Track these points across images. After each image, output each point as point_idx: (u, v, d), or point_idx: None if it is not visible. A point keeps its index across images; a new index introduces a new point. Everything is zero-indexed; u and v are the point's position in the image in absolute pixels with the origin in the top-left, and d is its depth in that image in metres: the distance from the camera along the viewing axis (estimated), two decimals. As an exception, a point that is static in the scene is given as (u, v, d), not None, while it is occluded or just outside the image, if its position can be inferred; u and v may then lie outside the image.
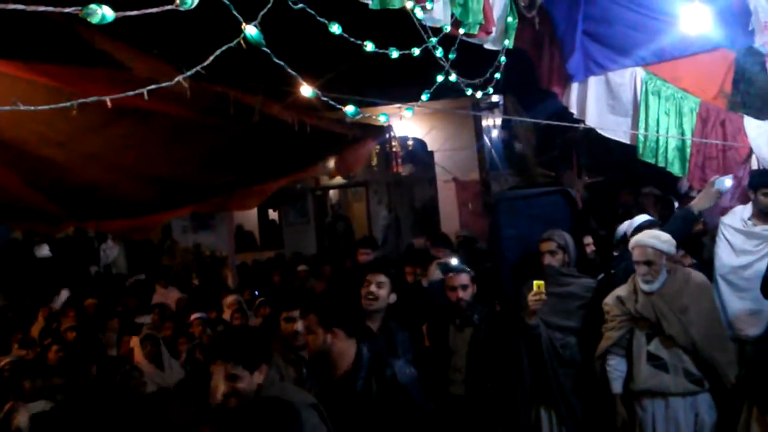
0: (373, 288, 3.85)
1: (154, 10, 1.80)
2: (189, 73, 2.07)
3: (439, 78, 3.72)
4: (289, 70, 2.26)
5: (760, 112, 5.20)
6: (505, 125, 10.95)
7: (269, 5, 2.15)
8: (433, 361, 4.39)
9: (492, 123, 11.42)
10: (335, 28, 2.40)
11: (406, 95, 4.08)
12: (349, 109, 2.50)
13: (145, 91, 1.98)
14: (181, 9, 1.79)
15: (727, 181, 4.59)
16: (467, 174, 10.81)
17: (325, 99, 2.34)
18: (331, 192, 13.79)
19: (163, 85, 2.14)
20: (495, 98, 10.45)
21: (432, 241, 6.57)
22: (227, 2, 1.99)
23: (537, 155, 10.60)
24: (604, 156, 8.21)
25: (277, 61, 2.18)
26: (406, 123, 9.67)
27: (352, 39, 2.53)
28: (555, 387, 4.38)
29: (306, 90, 2.32)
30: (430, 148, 10.70)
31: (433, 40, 3.45)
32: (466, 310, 4.36)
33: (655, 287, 3.90)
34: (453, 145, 10.56)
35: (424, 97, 3.37)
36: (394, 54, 2.91)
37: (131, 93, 2.10)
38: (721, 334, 4.04)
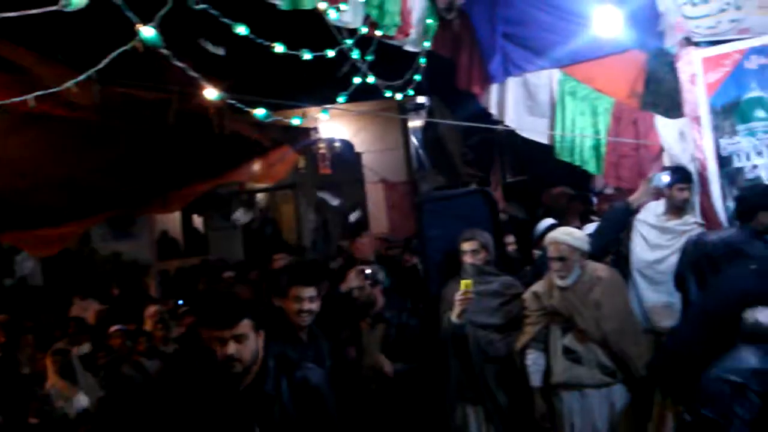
0: (306, 306, 3.70)
1: (37, 11, 1.69)
2: (81, 77, 1.96)
3: (356, 80, 3.68)
4: (191, 73, 2.17)
5: (669, 111, 5.40)
6: (432, 126, 11.02)
7: (168, 6, 2.05)
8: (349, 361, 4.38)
9: (419, 124, 11.48)
10: (241, 30, 2.32)
11: (328, 97, 4.04)
12: (260, 112, 2.42)
13: (31, 97, 1.85)
14: (66, 10, 1.68)
15: (665, 177, 4.67)
16: (395, 175, 10.85)
17: (232, 102, 2.25)
18: (258, 195, 13.56)
19: (56, 89, 2.02)
20: (421, 99, 10.52)
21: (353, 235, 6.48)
22: (120, 3, 1.89)
23: (463, 155, 10.70)
24: (528, 155, 8.37)
25: (178, 63, 2.09)
26: (333, 125, 9.62)
27: (259, 40, 2.46)
28: (481, 384, 4.43)
29: (211, 93, 2.23)
30: (357, 150, 10.68)
31: (349, 41, 3.41)
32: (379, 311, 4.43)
33: (569, 282, 4.00)
34: (380, 147, 10.57)
35: (340, 99, 3.33)
36: (306, 56, 2.85)
37: (26, 97, 1.98)
38: (633, 327, 4.16)
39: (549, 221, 5.42)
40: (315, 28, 3.42)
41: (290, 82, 5.07)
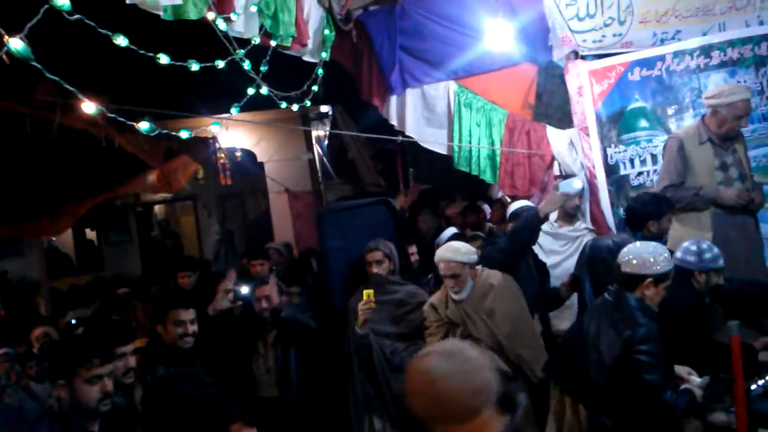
0: (189, 328, 3.73)
1: None
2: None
3: (250, 90, 3.60)
4: (67, 86, 2.04)
5: (560, 122, 5.62)
6: (336, 135, 10.99)
7: (38, 17, 1.93)
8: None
9: (323, 133, 11.42)
10: (120, 40, 2.21)
11: (225, 107, 3.93)
12: (143, 125, 2.31)
13: None
14: None
15: (576, 183, 4.68)
16: (300, 185, 10.71)
17: (112, 116, 2.13)
18: (156, 207, 13.08)
19: None
20: (324, 109, 10.47)
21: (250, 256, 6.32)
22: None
23: (375, 166, 10.72)
24: (429, 165, 8.50)
25: (51, 76, 1.96)
26: (233, 134, 9.39)
27: (142, 51, 2.35)
28: (387, 394, 4.42)
29: (89, 107, 2.11)
30: (259, 159, 10.48)
31: (240, 51, 3.33)
32: (270, 316, 4.49)
33: (464, 296, 4.05)
34: (283, 156, 10.42)
35: (233, 110, 3.24)
36: (194, 67, 2.75)
37: None
38: (527, 331, 4.23)
39: (451, 230, 5.51)
40: (208, 38, 3.33)
41: (183, 93, 4.90)
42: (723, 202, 4.49)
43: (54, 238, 11.01)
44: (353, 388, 4.44)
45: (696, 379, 3.31)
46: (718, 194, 4.49)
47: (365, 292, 4.21)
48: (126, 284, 8.86)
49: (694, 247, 3.84)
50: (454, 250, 4.05)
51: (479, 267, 4.13)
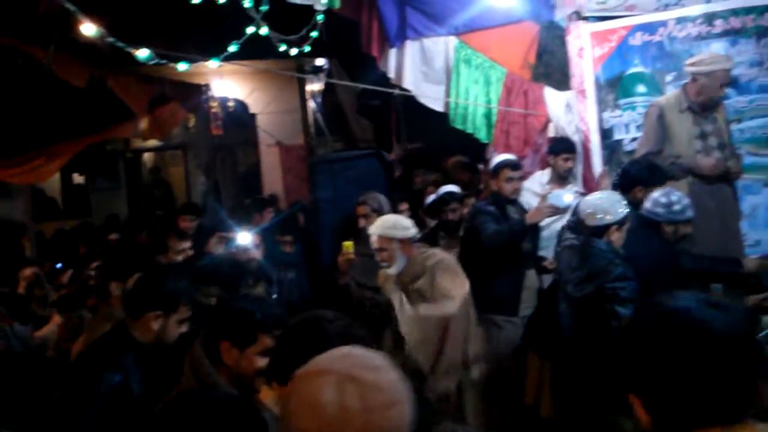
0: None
1: None
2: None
3: (249, 29, 3.53)
4: (68, 5, 1.99)
5: (559, 83, 5.57)
6: (330, 90, 10.88)
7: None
8: None
9: (318, 88, 11.30)
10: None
11: (221, 50, 3.86)
12: (143, 53, 2.27)
13: None
14: None
15: (566, 197, 4.30)
16: (292, 139, 10.62)
17: (111, 40, 2.09)
18: (146, 155, 12.94)
19: None
20: (320, 62, 10.34)
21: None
22: None
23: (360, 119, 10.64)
24: (424, 122, 8.44)
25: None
26: (226, 83, 9.27)
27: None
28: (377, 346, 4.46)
29: (88, 29, 2.06)
30: (252, 111, 10.37)
31: (242, -11, 3.26)
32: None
33: (395, 271, 3.93)
34: (276, 108, 10.30)
35: (231, 48, 3.18)
36: (195, -1, 2.69)
37: None
38: (458, 329, 3.94)
39: (448, 188, 5.46)
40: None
41: (182, 30, 4.81)
42: (700, 171, 4.52)
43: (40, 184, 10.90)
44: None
45: None
46: (695, 163, 4.52)
47: (344, 244, 4.27)
48: (116, 229, 8.82)
49: (663, 199, 3.89)
50: (381, 224, 3.96)
51: (426, 248, 4.05)
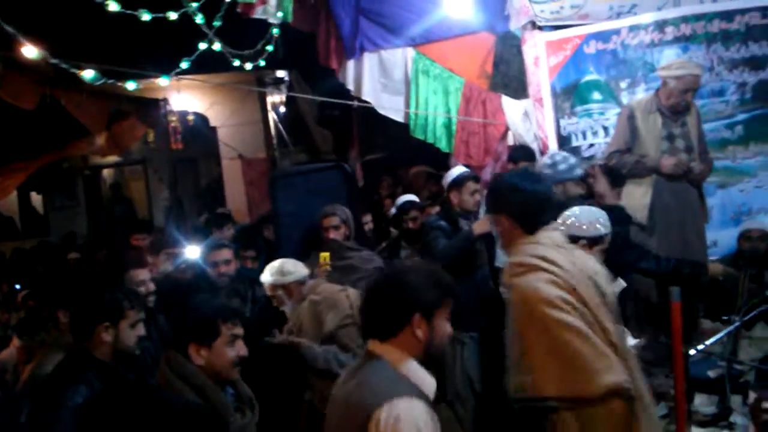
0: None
1: None
2: None
3: (202, 45, 3.50)
4: (7, 28, 1.94)
5: (517, 92, 5.64)
6: (292, 101, 10.83)
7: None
8: None
9: (279, 99, 11.24)
10: (65, -18, 2.10)
11: (174, 66, 3.81)
12: (89, 73, 2.22)
13: None
14: None
15: None
16: (254, 151, 10.55)
17: (55, 62, 2.04)
18: (105, 171, 12.70)
19: None
20: (280, 74, 10.29)
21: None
22: None
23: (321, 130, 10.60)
24: (383, 133, 8.46)
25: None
26: (185, 97, 9.16)
27: (89, -4, 2.24)
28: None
29: (30, 51, 2.01)
30: (212, 124, 10.27)
31: (193, 5, 3.22)
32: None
33: (289, 312, 3.91)
34: (237, 121, 10.23)
35: (183, 65, 3.14)
36: (145, 16, 2.65)
37: None
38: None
39: (407, 197, 5.48)
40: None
41: (132, 48, 4.73)
42: (662, 170, 4.62)
43: (-3, 202, 10.65)
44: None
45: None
46: (659, 162, 4.62)
47: (321, 255, 4.21)
48: (75, 248, 8.64)
49: (548, 160, 3.91)
50: (268, 270, 3.92)
51: (311, 281, 3.95)
